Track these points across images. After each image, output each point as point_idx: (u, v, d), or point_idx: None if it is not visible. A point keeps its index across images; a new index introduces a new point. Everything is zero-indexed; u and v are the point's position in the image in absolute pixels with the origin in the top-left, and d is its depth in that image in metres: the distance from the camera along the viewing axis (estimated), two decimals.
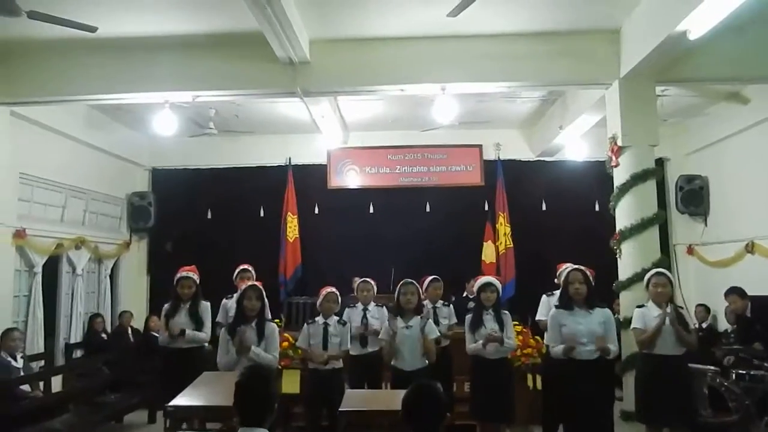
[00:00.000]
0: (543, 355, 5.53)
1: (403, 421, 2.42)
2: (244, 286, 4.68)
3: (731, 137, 7.93)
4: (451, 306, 5.80)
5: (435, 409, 2.42)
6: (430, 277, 5.74)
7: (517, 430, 5.41)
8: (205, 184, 9.54)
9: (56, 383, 6.26)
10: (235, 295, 5.14)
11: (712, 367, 5.35)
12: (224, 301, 5.72)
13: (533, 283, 7.14)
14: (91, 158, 8.25)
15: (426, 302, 5.56)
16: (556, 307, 4.64)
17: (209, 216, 9.51)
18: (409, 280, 4.91)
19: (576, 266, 4.69)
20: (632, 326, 4.63)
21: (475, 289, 5.07)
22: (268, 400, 2.47)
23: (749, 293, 6.12)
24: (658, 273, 4.71)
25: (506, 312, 4.90)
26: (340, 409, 3.68)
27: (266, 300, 4.61)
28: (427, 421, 2.41)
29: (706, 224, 8.76)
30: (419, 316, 4.79)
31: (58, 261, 7.65)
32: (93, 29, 4.91)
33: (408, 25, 5.77)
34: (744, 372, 5.00)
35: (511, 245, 9.00)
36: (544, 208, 9.36)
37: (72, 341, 7.67)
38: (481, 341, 4.70)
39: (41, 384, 5.71)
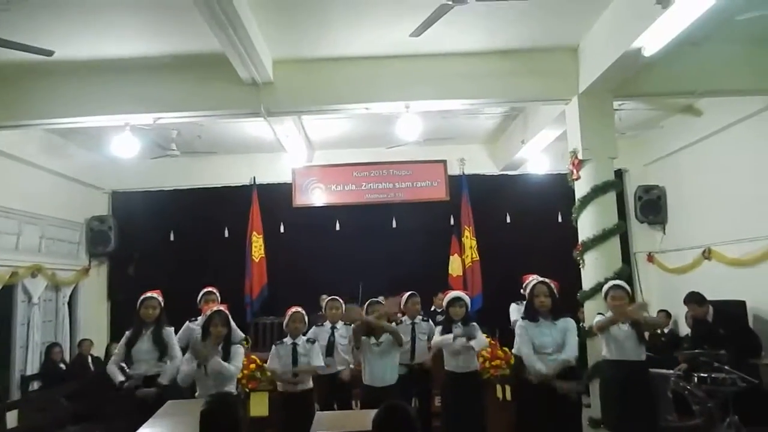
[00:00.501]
0: (512, 366, 5.55)
1: None
2: (208, 310, 4.59)
3: (686, 148, 8.22)
4: (431, 321, 5.77)
5: (406, 429, 2.41)
6: (408, 293, 5.73)
7: None
8: (168, 206, 9.37)
9: (12, 418, 6.00)
10: (200, 319, 5.03)
11: (674, 372, 5.46)
12: (187, 324, 5.58)
13: (500, 295, 7.20)
14: (48, 183, 8.01)
15: (404, 318, 5.56)
16: (523, 318, 4.69)
17: (172, 238, 9.33)
18: (376, 299, 4.90)
19: (541, 279, 4.76)
20: (595, 320, 4.79)
21: (444, 303, 5.09)
22: (234, 427, 2.42)
23: (708, 298, 6.29)
24: (615, 286, 4.81)
25: (474, 324, 4.90)
26: None
27: (232, 324, 4.53)
28: None
29: (664, 232, 9.03)
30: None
31: (12, 290, 7.36)
32: (49, 53, 4.79)
33: (371, 45, 5.82)
34: (705, 375, 5.11)
35: (478, 258, 9.11)
36: (508, 220, 9.48)
37: (28, 373, 7.36)
38: (449, 335, 4.74)
39: None
